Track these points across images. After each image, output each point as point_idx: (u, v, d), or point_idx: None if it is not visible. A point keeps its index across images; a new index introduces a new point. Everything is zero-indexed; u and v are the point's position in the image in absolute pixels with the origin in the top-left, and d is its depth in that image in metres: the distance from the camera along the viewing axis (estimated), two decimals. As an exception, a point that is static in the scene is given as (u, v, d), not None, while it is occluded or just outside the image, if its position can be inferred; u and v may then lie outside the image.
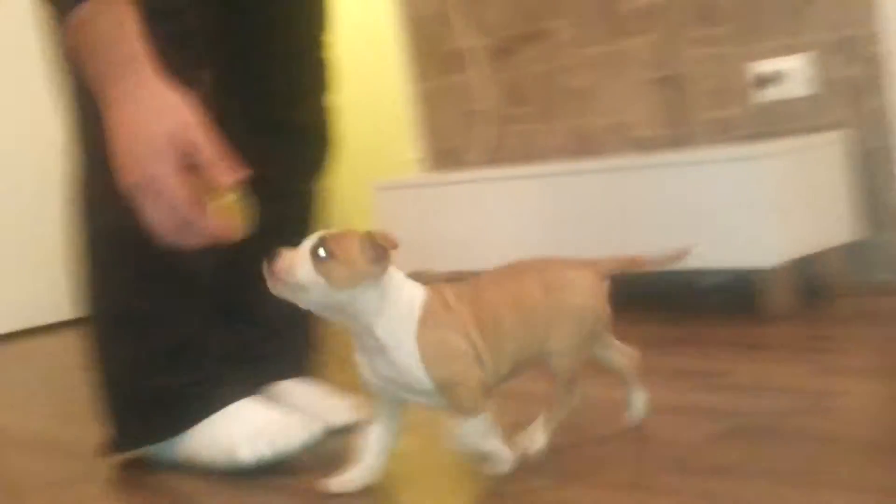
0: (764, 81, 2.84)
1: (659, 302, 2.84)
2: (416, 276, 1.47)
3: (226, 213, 1.34)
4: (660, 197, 2.59)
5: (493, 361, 1.47)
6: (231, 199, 1.35)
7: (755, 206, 2.45)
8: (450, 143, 3.62)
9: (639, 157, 2.77)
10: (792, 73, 2.79)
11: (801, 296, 2.53)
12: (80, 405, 2.10)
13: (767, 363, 2.08)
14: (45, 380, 2.89)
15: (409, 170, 3.84)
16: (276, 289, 1.38)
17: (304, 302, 1.40)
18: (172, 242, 1.34)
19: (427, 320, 1.42)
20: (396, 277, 1.42)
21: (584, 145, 3.24)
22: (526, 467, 1.56)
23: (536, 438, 1.57)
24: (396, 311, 1.41)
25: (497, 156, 3.48)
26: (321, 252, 1.36)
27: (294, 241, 1.40)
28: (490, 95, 3.46)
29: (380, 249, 1.38)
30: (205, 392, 1.70)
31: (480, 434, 1.47)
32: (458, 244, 3.07)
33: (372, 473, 1.51)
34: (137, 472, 1.79)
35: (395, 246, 1.38)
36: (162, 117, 1.28)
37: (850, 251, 2.71)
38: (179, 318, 1.71)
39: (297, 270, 1.36)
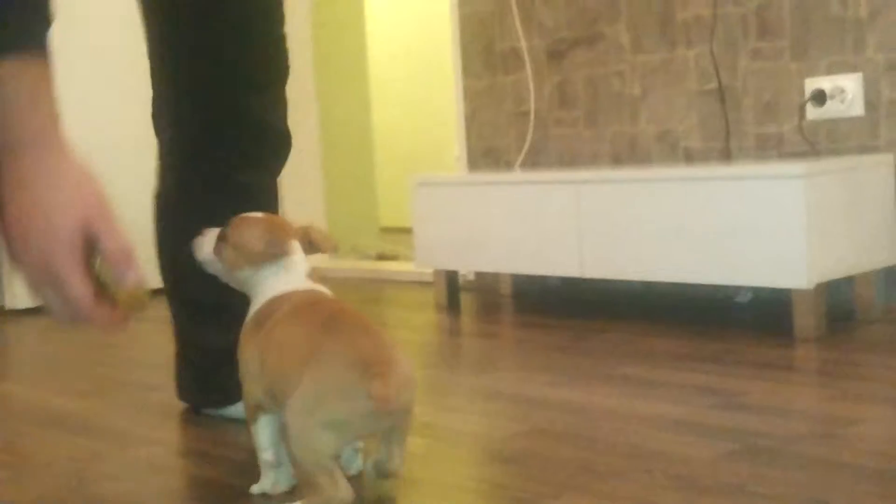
0: (818, 99, 2.79)
1: (693, 316, 2.81)
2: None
3: (123, 302, 1.23)
4: (699, 209, 2.56)
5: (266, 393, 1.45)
6: (129, 290, 1.24)
7: (793, 226, 2.41)
8: (493, 143, 3.61)
9: (680, 169, 2.74)
10: (847, 91, 2.75)
11: (831, 319, 2.49)
12: (94, 382, 2.13)
13: (787, 385, 2.04)
14: (63, 355, 2.92)
15: (452, 167, 3.83)
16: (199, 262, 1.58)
17: (217, 275, 1.58)
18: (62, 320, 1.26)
19: (248, 322, 1.51)
20: (277, 275, 1.51)
21: (630, 153, 3.22)
22: (529, 473, 1.56)
23: None
24: (258, 297, 1.52)
25: (539, 159, 3.46)
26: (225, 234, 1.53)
27: None
28: (538, 97, 3.44)
29: (279, 240, 1.49)
30: None
31: (257, 446, 1.51)
32: (490, 246, 3.06)
33: (286, 474, 1.53)
34: (157, 452, 1.81)
35: (332, 248, 1.55)
36: (70, 205, 1.15)
37: (887, 276, 2.66)
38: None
39: (200, 249, 1.57)
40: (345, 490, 1.34)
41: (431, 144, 5.67)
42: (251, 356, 1.46)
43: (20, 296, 3.63)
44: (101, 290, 1.16)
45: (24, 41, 1.14)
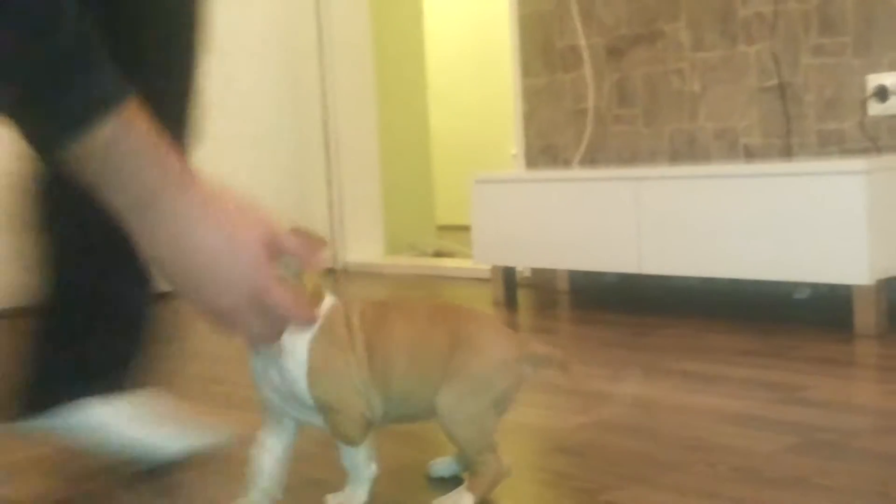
0: (880, 95, 2.78)
1: (753, 312, 2.81)
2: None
3: (308, 290, 1.24)
4: (759, 206, 2.56)
5: (380, 399, 1.37)
6: (312, 276, 1.25)
7: (854, 222, 2.40)
8: (551, 141, 3.62)
9: (739, 166, 2.74)
10: (909, 88, 2.74)
11: (893, 315, 2.48)
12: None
13: (848, 381, 2.04)
14: None
15: (511, 165, 3.85)
16: None
17: None
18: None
19: (324, 332, 1.33)
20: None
21: (689, 150, 3.22)
22: (593, 465, 1.57)
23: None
24: None
25: (597, 156, 3.47)
26: None
27: None
28: (597, 95, 3.45)
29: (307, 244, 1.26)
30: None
31: (356, 465, 1.39)
32: (547, 242, 3.07)
33: (268, 497, 1.42)
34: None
35: (323, 244, 1.27)
36: (243, 227, 1.09)
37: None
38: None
39: None
40: (505, 463, 1.42)
41: (488, 143, 5.69)
42: (346, 373, 1.34)
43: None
44: (291, 286, 1.14)
45: (122, 92, 1.05)
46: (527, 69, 3.69)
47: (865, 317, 2.43)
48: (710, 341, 2.47)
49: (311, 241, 1.21)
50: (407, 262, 4.37)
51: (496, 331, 1.41)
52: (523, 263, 3.30)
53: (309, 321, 1.14)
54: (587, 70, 3.46)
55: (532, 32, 3.65)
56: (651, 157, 3.32)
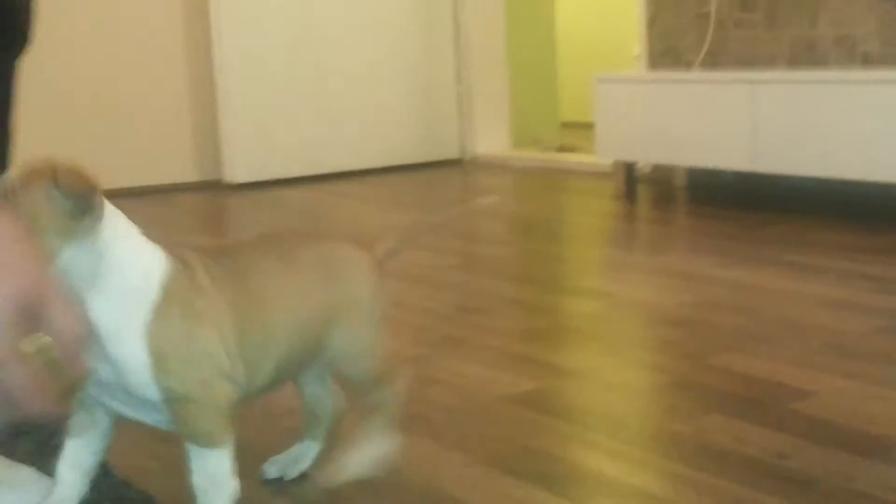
0: None
1: (863, 213, 2.93)
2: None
3: (65, 385, 0.93)
4: (874, 111, 2.68)
5: (252, 370, 1.09)
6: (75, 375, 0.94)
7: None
8: (673, 43, 3.75)
9: (856, 72, 2.85)
10: None
11: None
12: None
13: (944, 274, 2.20)
14: (276, 224, 3.23)
15: (632, 65, 3.99)
16: None
17: None
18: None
19: (168, 306, 1.03)
20: (124, 236, 1.03)
21: (807, 56, 3.32)
22: (696, 335, 1.77)
23: (351, 463, 1.22)
24: (119, 284, 1.01)
25: (717, 59, 3.59)
26: None
27: None
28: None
29: (79, 193, 0.97)
30: None
31: (216, 478, 1.06)
32: (667, 140, 3.23)
33: None
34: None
35: (92, 187, 0.98)
36: (6, 273, 0.88)
37: None
38: None
39: None
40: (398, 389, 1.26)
41: (612, 43, 5.80)
42: (207, 350, 1.05)
43: (238, 170, 3.99)
44: (40, 372, 0.90)
45: None
46: (653, -28, 3.81)
47: (968, 219, 2.56)
48: (817, 237, 2.63)
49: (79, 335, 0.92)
50: (532, 156, 4.55)
51: (351, 247, 1.22)
52: (643, 159, 3.47)
53: (47, 414, 0.89)
54: (712, -26, 3.57)
55: (660, -64, 3.76)
56: (770, 62, 3.44)
